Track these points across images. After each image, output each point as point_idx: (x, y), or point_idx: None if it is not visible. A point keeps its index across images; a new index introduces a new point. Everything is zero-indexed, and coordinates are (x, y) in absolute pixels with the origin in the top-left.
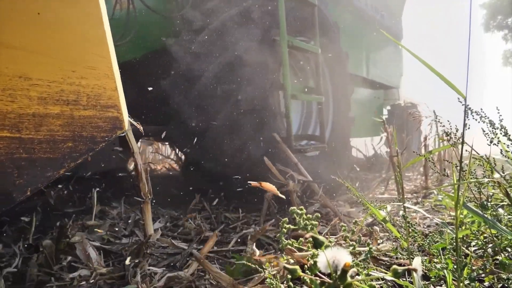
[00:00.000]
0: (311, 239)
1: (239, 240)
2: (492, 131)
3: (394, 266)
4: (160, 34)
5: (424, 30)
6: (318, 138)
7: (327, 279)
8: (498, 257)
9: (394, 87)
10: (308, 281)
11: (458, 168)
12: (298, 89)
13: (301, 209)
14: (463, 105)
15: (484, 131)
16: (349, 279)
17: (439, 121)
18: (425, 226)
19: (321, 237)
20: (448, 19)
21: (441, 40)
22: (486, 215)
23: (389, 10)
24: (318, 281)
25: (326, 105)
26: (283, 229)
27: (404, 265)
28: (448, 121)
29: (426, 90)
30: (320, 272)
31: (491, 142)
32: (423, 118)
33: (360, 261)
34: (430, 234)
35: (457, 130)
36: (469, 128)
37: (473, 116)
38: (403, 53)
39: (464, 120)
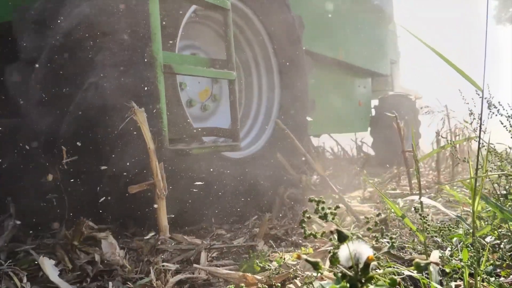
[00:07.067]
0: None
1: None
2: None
3: (417, 260)
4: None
5: (428, 20)
6: (228, 133)
7: (349, 273)
8: None
9: (382, 74)
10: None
11: (475, 159)
12: (191, 61)
13: (321, 198)
14: (480, 97)
15: (502, 123)
16: (371, 272)
17: (450, 114)
18: (438, 222)
19: (345, 231)
20: (455, 9)
21: (446, 32)
22: (503, 206)
23: None
24: (340, 274)
25: (271, 88)
26: (304, 219)
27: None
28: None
29: (420, 82)
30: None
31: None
32: (435, 112)
33: (382, 254)
34: (446, 226)
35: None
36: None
37: (490, 109)
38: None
39: (481, 112)
